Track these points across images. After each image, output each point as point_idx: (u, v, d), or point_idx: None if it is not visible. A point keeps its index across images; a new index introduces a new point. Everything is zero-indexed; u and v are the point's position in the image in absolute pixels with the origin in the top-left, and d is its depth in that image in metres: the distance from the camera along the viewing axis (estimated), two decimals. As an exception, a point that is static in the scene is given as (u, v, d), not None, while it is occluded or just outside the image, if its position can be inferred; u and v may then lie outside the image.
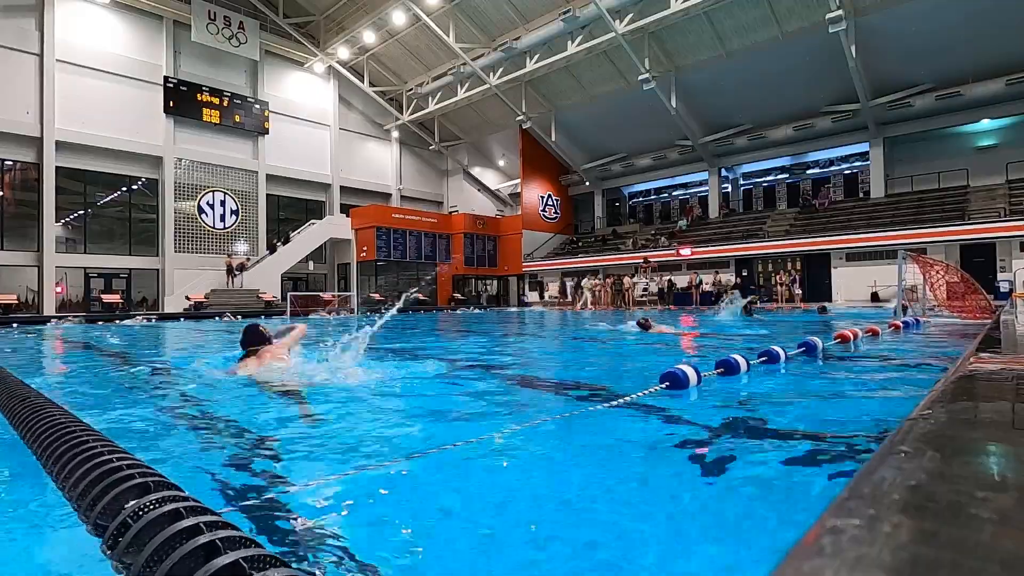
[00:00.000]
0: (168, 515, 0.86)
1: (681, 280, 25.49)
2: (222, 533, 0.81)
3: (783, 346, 4.37)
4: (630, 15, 21.90)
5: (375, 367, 4.62)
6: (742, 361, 3.69)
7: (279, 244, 27.53)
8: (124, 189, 24.72)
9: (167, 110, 25.01)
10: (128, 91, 24.20)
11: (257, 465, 2.16)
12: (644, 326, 8.71)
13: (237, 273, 24.81)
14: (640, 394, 2.88)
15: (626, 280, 25.46)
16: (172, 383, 4.46)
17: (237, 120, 26.98)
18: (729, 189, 30.30)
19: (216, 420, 2.98)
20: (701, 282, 24.28)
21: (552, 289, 30.53)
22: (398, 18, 25.99)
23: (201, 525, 0.82)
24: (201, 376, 4.51)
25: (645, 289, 23.57)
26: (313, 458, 2.26)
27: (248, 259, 26.77)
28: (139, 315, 18.43)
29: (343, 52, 28.85)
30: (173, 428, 2.83)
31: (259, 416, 3.05)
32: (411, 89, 31.49)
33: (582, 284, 26.82)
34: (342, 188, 31.39)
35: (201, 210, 26.22)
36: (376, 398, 3.53)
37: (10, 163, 21.89)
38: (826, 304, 15.98)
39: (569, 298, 27.97)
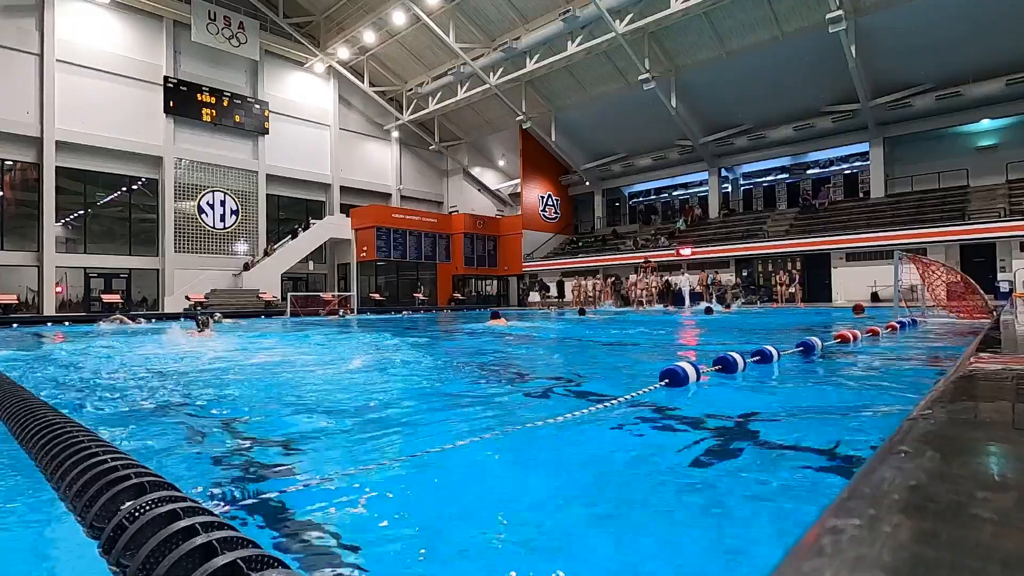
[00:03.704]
0: (164, 516, 0.86)
1: (679, 280, 25.39)
2: (219, 534, 0.81)
3: (778, 346, 4.37)
4: (630, 15, 21.89)
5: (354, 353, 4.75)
6: (739, 359, 3.70)
7: (300, 229, 27.97)
8: (124, 189, 24.71)
9: (167, 110, 25.00)
10: (128, 91, 24.18)
11: (255, 463, 2.16)
12: (495, 316, 11.95)
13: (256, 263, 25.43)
14: (640, 392, 2.88)
15: (631, 278, 25.43)
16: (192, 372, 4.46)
17: (237, 120, 26.97)
18: (729, 189, 30.28)
19: (213, 412, 2.97)
20: (713, 282, 23.93)
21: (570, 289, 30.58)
22: (398, 18, 25.97)
23: (197, 526, 0.81)
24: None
25: (660, 291, 23.23)
26: (312, 456, 2.25)
27: (271, 247, 27.14)
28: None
29: (343, 52, 28.83)
30: (173, 420, 2.82)
31: (253, 412, 3.04)
32: (411, 89, 31.47)
33: (547, 283, 28.99)
34: (342, 188, 31.37)
35: (201, 210, 26.21)
36: (369, 395, 3.53)
37: (10, 163, 21.88)
38: (711, 305, 15.91)
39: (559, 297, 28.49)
